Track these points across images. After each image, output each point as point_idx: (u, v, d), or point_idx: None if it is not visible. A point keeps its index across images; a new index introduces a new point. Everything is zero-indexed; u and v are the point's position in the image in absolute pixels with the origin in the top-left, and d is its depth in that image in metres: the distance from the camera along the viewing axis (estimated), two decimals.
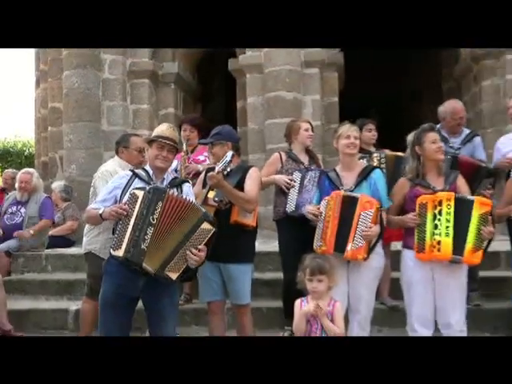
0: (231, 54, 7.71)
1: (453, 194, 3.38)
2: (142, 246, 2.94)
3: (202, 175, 3.87)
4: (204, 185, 3.75)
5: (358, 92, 9.39)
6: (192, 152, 4.62)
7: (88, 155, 7.13)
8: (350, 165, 3.74)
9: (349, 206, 3.47)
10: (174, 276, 3.01)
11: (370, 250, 3.46)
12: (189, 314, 4.77)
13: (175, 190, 3.24)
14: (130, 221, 2.98)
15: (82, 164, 7.10)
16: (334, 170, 3.80)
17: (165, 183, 3.26)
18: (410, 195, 3.54)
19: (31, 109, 9.49)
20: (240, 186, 3.75)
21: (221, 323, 4.00)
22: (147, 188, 3.06)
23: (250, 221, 3.84)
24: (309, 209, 3.68)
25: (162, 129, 3.34)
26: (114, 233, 3.14)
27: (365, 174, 3.65)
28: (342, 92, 7.79)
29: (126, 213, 2.99)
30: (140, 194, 3.01)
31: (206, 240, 3.03)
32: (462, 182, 3.58)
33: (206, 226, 2.99)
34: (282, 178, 4.31)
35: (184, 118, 5.14)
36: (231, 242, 3.67)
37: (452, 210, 3.32)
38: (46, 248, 6.05)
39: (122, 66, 7.59)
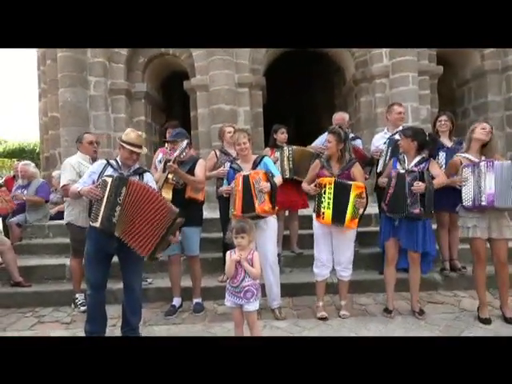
0: (185, 76, 7.52)
1: (333, 179, 3.44)
2: (113, 220, 2.89)
3: (163, 163, 3.77)
4: (165, 170, 3.69)
5: (276, 106, 9.34)
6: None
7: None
8: (246, 159, 3.81)
9: (246, 181, 3.49)
10: (159, 255, 3.12)
11: (272, 203, 3.49)
12: (156, 264, 4.61)
13: (137, 177, 3.15)
14: (102, 200, 2.91)
15: None
16: (236, 163, 3.86)
17: (130, 172, 3.16)
18: (318, 174, 3.61)
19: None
20: (191, 171, 3.77)
21: (178, 270, 3.99)
22: (114, 176, 2.97)
23: (199, 196, 3.85)
24: (222, 190, 3.79)
25: (132, 137, 3.13)
26: (90, 208, 3.04)
27: (257, 162, 3.76)
28: (265, 105, 7.76)
29: (97, 194, 2.91)
30: (109, 180, 2.93)
31: (179, 227, 3.12)
32: (356, 169, 3.60)
33: (179, 220, 3.01)
34: (218, 172, 4.30)
35: (168, 124, 4.97)
36: (186, 211, 3.61)
37: (332, 190, 3.39)
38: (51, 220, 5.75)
39: (104, 86, 7.21)
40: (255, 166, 3.75)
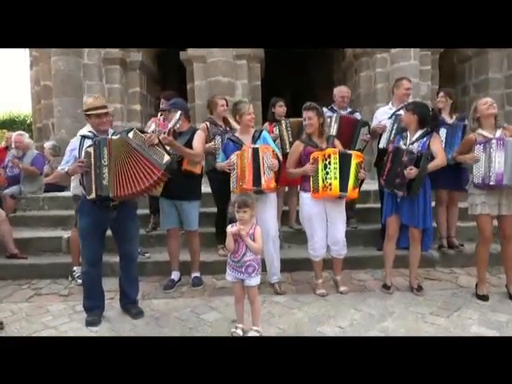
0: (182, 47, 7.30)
1: (337, 149, 3.42)
2: (104, 183, 2.87)
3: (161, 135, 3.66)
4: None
5: (274, 78, 9.14)
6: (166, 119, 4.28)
7: (73, 122, 6.62)
8: (248, 131, 3.76)
9: (255, 154, 3.45)
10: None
11: (277, 181, 3.52)
12: (154, 238, 4.62)
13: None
14: (91, 171, 2.89)
15: (70, 128, 6.60)
16: (234, 135, 3.80)
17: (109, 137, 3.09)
18: (305, 153, 3.53)
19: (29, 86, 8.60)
20: (189, 143, 3.66)
21: (176, 244, 3.95)
22: (93, 141, 2.95)
23: (196, 169, 3.76)
24: (221, 164, 3.69)
25: (91, 101, 3.10)
26: (81, 184, 3.03)
27: (257, 135, 3.72)
28: (263, 78, 7.59)
29: (84, 166, 2.89)
30: (91, 149, 2.91)
31: (143, 134, 2.99)
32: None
33: (130, 134, 2.95)
34: (209, 146, 4.18)
35: (162, 94, 4.79)
36: (183, 185, 3.60)
37: (338, 160, 3.35)
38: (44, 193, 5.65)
39: (98, 54, 7.02)
40: (254, 139, 3.68)
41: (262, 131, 3.79)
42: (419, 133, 3.50)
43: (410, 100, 4.31)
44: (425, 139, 3.47)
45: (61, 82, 6.70)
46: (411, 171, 3.26)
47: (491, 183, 3.19)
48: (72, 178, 3.94)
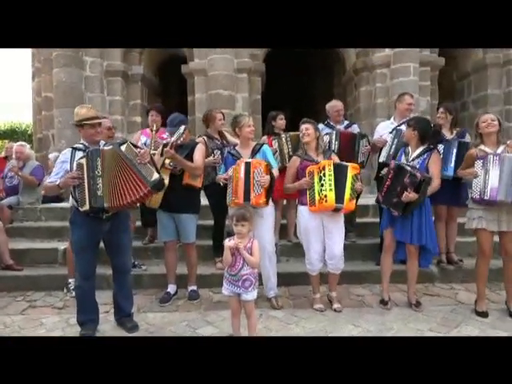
0: (183, 61, 7.37)
1: (331, 161, 3.42)
2: (99, 194, 2.82)
3: (161, 147, 3.66)
4: (162, 154, 3.58)
5: (275, 93, 9.19)
6: (157, 131, 4.30)
7: (74, 133, 6.58)
8: (247, 144, 3.73)
9: (247, 168, 3.42)
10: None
11: (267, 197, 3.44)
12: (151, 251, 4.59)
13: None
14: (84, 182, 2.84)
15: (70, 139, 6.61)
16: (234, 149, 3.78)
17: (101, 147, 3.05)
18: (301, 167, 3.53)
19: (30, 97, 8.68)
20: (189, 156, 3.66)
21: (174, 257, 3.93)
22: (86, 152, 2.91)
23: (197, 183, 3.75)
24: (219, 177, 3.68)
25: (84, 112, 3.02)
26: (72, 196, 2.97)
27: (257, 149, 3.70)
28: (263, 92, 7.64)
29: (77, 178, 2.84)
30: (83, 161, 2.86)
31: (136, 149, 2.93)
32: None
33: (123, 147, 2.88)
34: (209, 160, 4.13)
35: (152, 106, 4.82)
36: (183, 198, 3.61)
37: (332, 172, 3.33)
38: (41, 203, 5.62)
39: (100, 67, 7.08)
40: (254, 153, 3.67)
41: (262, 145, 3.78)
42: (420, 149, 3.50)
43: (411, 115, 4.33)
44: (425, 156, 3.47)
45: (62, 93, 6.74)
46: (409, 195, 3.24)
47: (485, 198, 3.19)
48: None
